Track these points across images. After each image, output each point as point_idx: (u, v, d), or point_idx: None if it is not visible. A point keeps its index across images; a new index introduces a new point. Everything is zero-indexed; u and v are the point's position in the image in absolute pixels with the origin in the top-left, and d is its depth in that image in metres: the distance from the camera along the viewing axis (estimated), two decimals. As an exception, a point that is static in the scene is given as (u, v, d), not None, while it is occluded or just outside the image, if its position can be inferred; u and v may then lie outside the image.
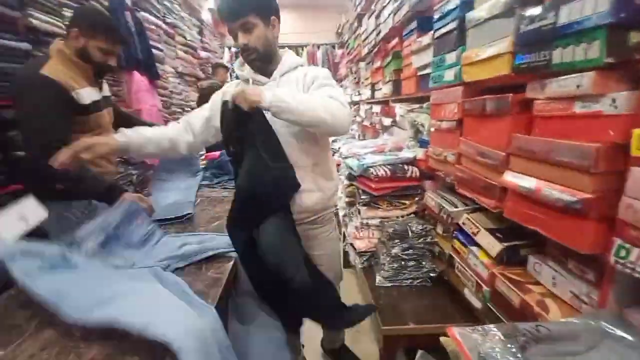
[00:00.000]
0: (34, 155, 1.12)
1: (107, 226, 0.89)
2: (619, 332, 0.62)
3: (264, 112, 0.92)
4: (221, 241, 0.96)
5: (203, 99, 3.47)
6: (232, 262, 0.88)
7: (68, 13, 1.93)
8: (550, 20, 0.73)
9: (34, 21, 1.69)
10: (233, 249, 0.91)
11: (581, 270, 0.77)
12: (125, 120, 1.54)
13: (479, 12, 1.00)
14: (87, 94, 1.19)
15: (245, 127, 0.92)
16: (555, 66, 0.73)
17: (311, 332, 1.60)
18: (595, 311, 0.71)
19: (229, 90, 1.07)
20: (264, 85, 1.09)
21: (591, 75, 0.66)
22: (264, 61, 1.08)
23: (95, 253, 0.84)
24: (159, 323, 0.55)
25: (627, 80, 0.65)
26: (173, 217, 1.21)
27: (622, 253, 0.62)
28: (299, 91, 1.01)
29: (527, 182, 0.80)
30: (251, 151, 0.93)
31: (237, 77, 1.20)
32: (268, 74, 1.11)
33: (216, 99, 1.18)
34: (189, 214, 1.24)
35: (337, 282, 1.36)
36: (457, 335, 0.62)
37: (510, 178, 0.86)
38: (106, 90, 1.39)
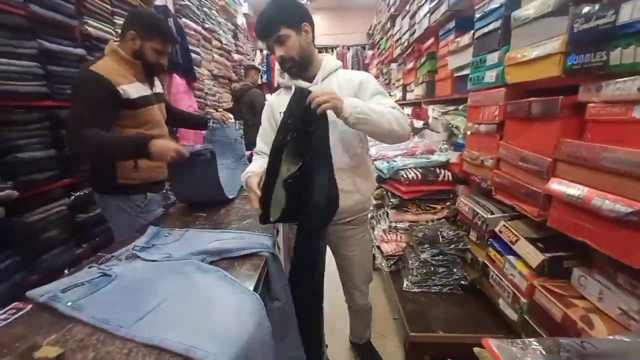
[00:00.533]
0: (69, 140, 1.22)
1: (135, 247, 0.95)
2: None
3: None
4: (253, 240, 0.98)
5: (235, 99, 3.62)
6: (263, 261, 0.90)
7: (119, 20, 2.07)
8: (609, 19, 0.68)
9: (89, 28, 1.84)
10: (266, 249, 0.94)
11: (632, 285, 0.71)
12: (176, 116, 1.65)
13: (526, 11, 0.95)
14: (135, 89, 1.28)
15: (309, 134, 0.92)
16: (613, 67, 0.68)
17: (339, 324, 1.61)
18: (652, 331, 0.65)
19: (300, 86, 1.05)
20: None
21: (655, 77, 0.61)
22: (300, 68, 1.11)
23: (134, 257, 0.90)
24: (202, 341, 0.57)
25: (697, 83, 0.60)
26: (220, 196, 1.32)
27: (686, 270, 0.57)
28: (342, 94, 1.02)
29: (576, 190, 0.75)
30: (321, 163, 0.95)
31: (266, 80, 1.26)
32: (309, 79, 1.13)
33: (267, 110, 1.23)
34: (234, 197, 1.35)
35: (367, 283, 1.36)
36: (494, 347, 0.60)
37: (557, 185, 0.81)
38: (158, 87, 1.48)
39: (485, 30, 1.20)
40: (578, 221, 0.77)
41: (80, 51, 1.76)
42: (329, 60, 1.15)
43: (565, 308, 0.82)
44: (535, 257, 0.94)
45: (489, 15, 1.17)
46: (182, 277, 0.80)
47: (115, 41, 1.38)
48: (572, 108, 0.81)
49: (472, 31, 1.33)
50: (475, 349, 0.64)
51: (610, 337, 0.66)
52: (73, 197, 1.71)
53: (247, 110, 3.39)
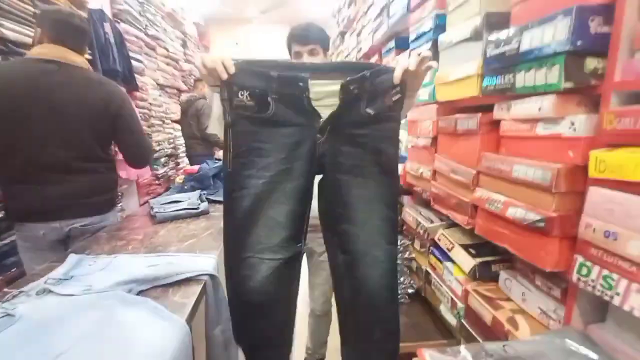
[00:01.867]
0: None
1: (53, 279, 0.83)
2: (583, 350, 0.63)
3: None
4: (192, 263, 0.92)
5: (182, 112, 3.43)
6: (202, 286, 0.84)
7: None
8: (514, 46, 0.77)
9: (5, 31, 1.64)
10: (204, 273, 0.88)
11: (548, 286, 0.79)
12: None
13: (449, 36, 1.04)
14: None
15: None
16: (519, 89, 0.76)
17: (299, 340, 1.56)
18: (561, 328, 0.72)
19: None
20: None
21: (551, 98, 0.69)
22: None
23: (46, 292, 0.79)
24: None
25: (586, 104, 0.69)
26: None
27: (584, 271, 0.64)
28: None
29: (495, 200, 0.82)
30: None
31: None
32: None
33: None
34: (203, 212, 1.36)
35: (332, 288, 1.36)
36: (426, 357, 0.62)
37: (480, 195, 0.88)
38: None
39: (418, 51, 1.29)
40: (499, 229, 0.83)
41: (-8, 56, 1.55)
42: None
43: (494, 310, 0.88)
44: (467, 262, 1.00)
45: (420, 38, 1.26)
46: (101, 313, 0.71)
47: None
48: (490, 125, 0.89)
49: (408, 51, 1.42)
50: (414, 360, 0.65)
51: (529, 338, 0.71)
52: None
53: (194, 121, 3.22)
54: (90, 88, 1.20)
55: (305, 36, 1.17)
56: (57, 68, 1.13)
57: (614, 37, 0.62)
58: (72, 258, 0.95)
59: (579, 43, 0.63)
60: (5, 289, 0.86)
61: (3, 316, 0.69)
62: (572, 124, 0.67)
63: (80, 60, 1.21)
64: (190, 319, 0.73)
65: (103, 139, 1.24)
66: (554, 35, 0.66)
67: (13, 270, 1.58)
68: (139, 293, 0.80)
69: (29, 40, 1.75)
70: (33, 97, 1.10)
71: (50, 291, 0.81)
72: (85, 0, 2.27)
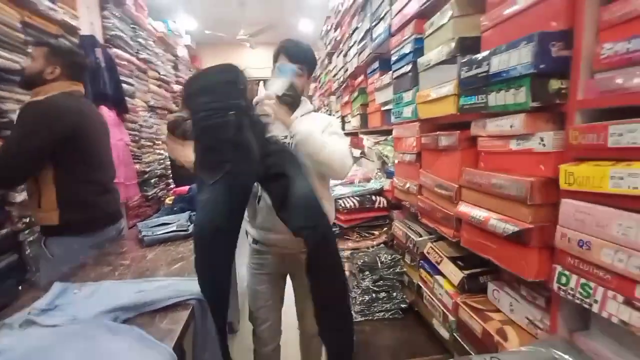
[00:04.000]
0: None
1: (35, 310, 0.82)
2: (568, 359, 0.64)
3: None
4: (181, 288, 0.91)
5: (169, 131, 3.41)
6: (189, 311, 0.83)
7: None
8: (484, 69, 0.82)
9: (-4, 59, 1.66)
10: (192, 297, 0.87)
11: (532, 296, 0.81)
12: None
13: (427, 58, 1.10)
14: None
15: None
16: (492, 108, 0.81)
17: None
18: (547, 338, 0.73)
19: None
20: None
21: (521, 116, 0.74)
22: (294, 102, 1.22)
23: (29, 324, 0.77)
24: None
25: (554, 121, 0.73)
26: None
27: (563, 280, 0.66)
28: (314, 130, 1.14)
29: (477, 213, 0.85)
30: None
31: None
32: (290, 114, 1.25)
33: None
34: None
35: None
36: (417, 373, 0.62)
37: (463, 209, 0.91)
38: None
39: (400, 72, 1.35)
40: (483, 240, 0.86)
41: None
42: (306, 103, 1.29)
43: (484, 322, 0.89)
44: (456, 275, 1.02)
45: (402, 60, 1.33)
46: (86, 343, 0.69)
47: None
48: (469, 141, 0.93)
49: (391, 71, 1.48)
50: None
51: (515, 350, 0.72)
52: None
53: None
54: (104, 118, 1.61)
55: (295, 52, 1.18)
56: (84, 99, 1.44)
57: (575, 60, 0.67)
58: (56, 287, 0.93)
59: (542, 66, 0.68)
60: (-13, 322, 0.83)
61: None
62: (542, 139, 0.71)
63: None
64: (177, 346, 0.72)
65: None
66: (519, 59, 0.72)
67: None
68: (125, 321, 0.79)
69: (18, 67, 1.77)
70: (94, 122, 1.43)
71: (33, 322, 0.79)
72: (77, 27, 2.32)
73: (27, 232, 1.66)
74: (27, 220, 1.65)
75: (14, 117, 1.27)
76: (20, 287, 1.58)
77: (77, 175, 1.30)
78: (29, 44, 1.91)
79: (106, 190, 1.43)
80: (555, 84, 0.70)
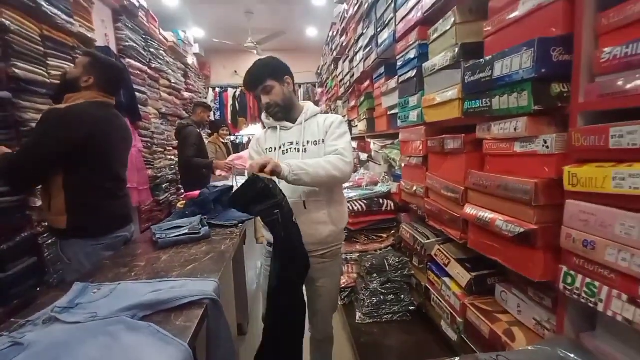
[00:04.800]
0: None
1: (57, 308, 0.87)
2: (574, 357, 0.65)
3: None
4: (194, 288, 0.94)
5: (175, 136, 3.42)
6: (203, 309, 0.86)
7: (52, 62, 1.99)
8: (488, 73, 0.84)
9: (18, 71, 1.75)
10: (206, 297, 0.90)
11: (539, 297, 0.81)
12: None
13: (432, 63, 1.12)
14: None
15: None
16: (495, 111, 0.83)
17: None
18: (553, 337, 0.74)
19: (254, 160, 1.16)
20: (289, 129, 1.26)
21: (524, 120, 0.75)
22: (285, 112, 1.25)
23: (52, 320, 0.82)
24: None
25: (556, 124, 0.75)
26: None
27: (569, 280, 0.67)
28: (320, 133, 1.21)
29: (484, 215, 0.86)
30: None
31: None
32: (292, 120, 1.28)
33: (254, 144, 1.35)
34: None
35: (332, 312, 1.38)
36: (423, 370, 0.63)
37: (470, 210, 0.92)
38: None
39: (406, 77, 1.38)
40: (489, 242, 0.87)
41: (4, 94, 1.65)
42: (310, 106, 1.31)
43: (491, 324, 0.89)
44: (463, 276, 1.03)
45: (407, 65, 1.35)
46: (106, 338, 0.73)
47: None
48: (474, 144, 0.95)
49: (397, 76, 1.51)
50: (413, 376, 0.67)
51: (522, 349, 0.73)
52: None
53: (179, 149, 3.07)
54: (128, 128, 1.60)
55: (250, 82, 1.22)
56: (112, 110, 1.47)
57: (575, 64, 0.69)
58: (77, 286, 0.98)
59: (543, 70, 0.70)
60: (12, 319, 0.88)
61: (12, 345, 0.72)
62: (545, 142, 0.73)
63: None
64: (192, 342, 0.75)
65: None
66: (520, 64, 0.73)
67: (15, 302, 1.59)
68: (142, 318, 0.83)
69: (39, 79, 1.86)
70: (114, 133, 1.44)
71: (56, 319, 0.83)
72: (93, 39, 2.41)
73: (45, 235, 1.72)
74: (46, 224, 1.71)
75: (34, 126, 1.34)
76: (38, 289, 1.64)
77: (87, 182, 1.32)
78: (48, 56, 2.00)
79: (115, 196, 1.44)
80: (556, 88, 0.72)
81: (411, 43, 1.31)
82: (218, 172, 2.91)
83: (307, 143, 1.24)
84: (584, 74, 0.68)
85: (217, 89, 6.33)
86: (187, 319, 0.82)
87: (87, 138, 1.29)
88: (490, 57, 0.83)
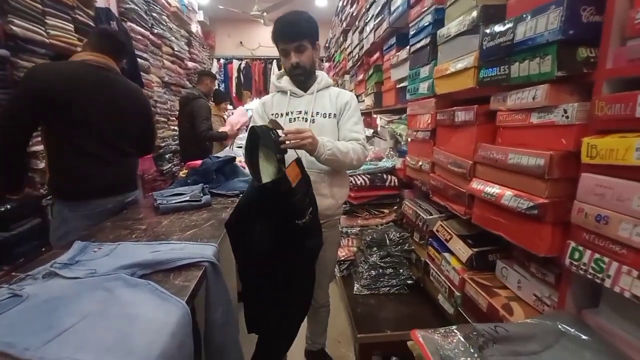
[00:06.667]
0: None
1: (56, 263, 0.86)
2: (574, 332, 0.64)
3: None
4: (193, 250, 0.94)
5: (180, 107, 3.33)
6: (201, 271, 0.86)
7: (51, 21, 1.92)
8: (509, 37, 0.78)
9: (15, 28, 1.68)
10: (205, 259, 0.90)
11: (542, 273, 0.80)
12: None
13: (448, 29, 1.05)
14: None
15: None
16: (514, 79, 0.78)
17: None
18: (554, 312, 0.73)
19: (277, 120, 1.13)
20: (299, 97, 1.23)
21: (545, 87, 0.71)
22: (307, 76, 1.23)
23: (52, 275, 0.82)
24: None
25: (578, 92, 0.70)
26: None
27: (576, 255, 0.65)
28: (332, 107, 1.21)
29: (491, 189, 0.83)
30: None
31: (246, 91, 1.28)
32: (305, 89, 1.25)
33: (260, 110, 1.30)
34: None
35: (329, 281, 1.41)
36: (419, 338, 0.63)
37: (476, 185, 0.89)
38: None
39: (418, 46, 1.31)
40: (495, 217, 0.85)
41: (2, 52, 1.59)
42: (324, 77, 1.28)
43: (490, 298, 0.89)
44: (465, 252, 1.02)
45: (420, 33, 1.28)
46: (105, 293, 0.73)
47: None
48: (486, 116, 0.90)
49: (408, 46, 1.43)
50: (409, 343, 0.67)
51: (521, 321, 0.73)
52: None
53: (188, 121, 2.91)
54: (139, 92, 1.54)
55: (288, 33, 1.15)
56: (106, 72, 1.37)
57: (606, 26, 0.63)
58: (77, 245, 0.98)
59: (571, 32, 0.64)
60: (13, 273, 0.89)
61: (11, 296, 0.72)
62: (565, 112, 0.68)
63: (117, 66, 1.44)
64: (190, 300, 0.75)
65: (138, 133, 1.52)
66: (546, 25, 0.68)
67: (20, 260, 1.62)
68: (142, 277, 0.83)
69: (37, 37, 1.80)
70: (97, 92, 1.32)
71: (56, 274, 0.84)
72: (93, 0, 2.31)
73: (49, 197, 1.73)
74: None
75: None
76: (43, 249, 1.67)
77: (68, 145, 1.27)
78: (47, 15, 1.93)
79: (106, 163, 1.35)
80: (583, 52, 0.67)
81: (426, 8, 1.23)
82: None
83: (317, 114, 1.21)
84: (614, 37, 0.62)
85: (222, 60, 6.16)
86: (186, 279, 0.83)
87: (48, 90, 1.19)
88: (513, 19, 0.76)
